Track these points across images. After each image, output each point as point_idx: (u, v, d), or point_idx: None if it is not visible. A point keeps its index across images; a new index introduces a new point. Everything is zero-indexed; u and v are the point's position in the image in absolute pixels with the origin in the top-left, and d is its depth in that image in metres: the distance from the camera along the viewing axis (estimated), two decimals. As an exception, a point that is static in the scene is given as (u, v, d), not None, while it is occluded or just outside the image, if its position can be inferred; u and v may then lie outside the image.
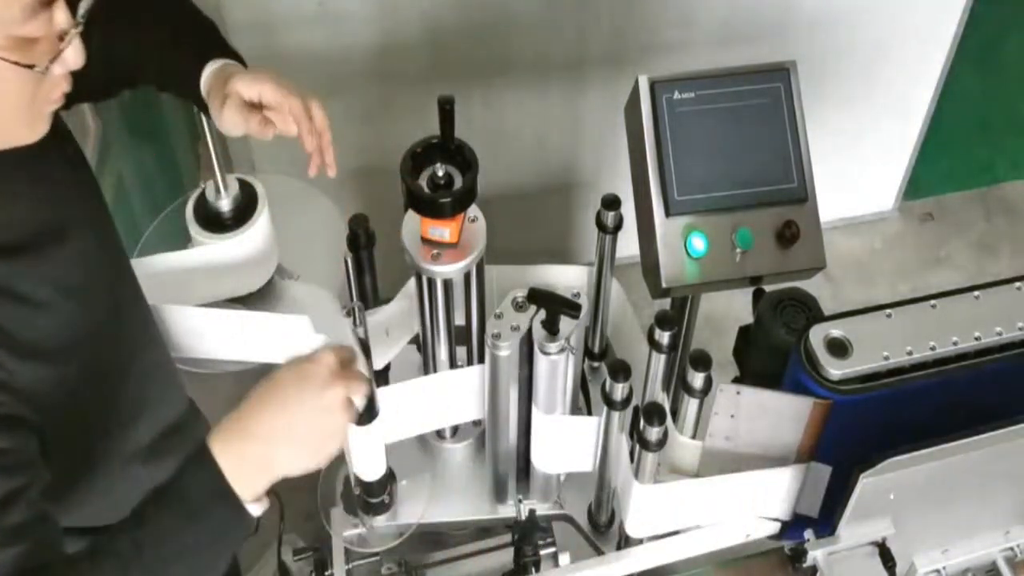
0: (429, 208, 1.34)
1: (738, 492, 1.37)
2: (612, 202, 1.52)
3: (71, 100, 1.01)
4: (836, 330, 1.27)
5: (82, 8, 0.94)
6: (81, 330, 1.07)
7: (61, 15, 0.92)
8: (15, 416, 0.97)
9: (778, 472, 1.35)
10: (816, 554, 1.36)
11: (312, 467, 1.02)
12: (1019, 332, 1.28)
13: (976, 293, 1.31)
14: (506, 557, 1.65)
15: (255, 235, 1.46)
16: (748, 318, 1.49)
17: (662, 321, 1.36)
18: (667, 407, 1.34)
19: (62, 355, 1.03)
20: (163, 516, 0.98)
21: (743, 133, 1.42)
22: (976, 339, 1.27)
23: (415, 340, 1.58)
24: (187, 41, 1.26)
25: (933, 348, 1.26)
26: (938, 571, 1.42)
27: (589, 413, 1.70)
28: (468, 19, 2.17)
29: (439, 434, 1.66)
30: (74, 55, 0.94)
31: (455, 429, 1.66)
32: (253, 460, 0.99)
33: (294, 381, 1.02)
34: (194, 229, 1.45)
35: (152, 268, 1.40)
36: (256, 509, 1.01)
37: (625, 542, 1.54)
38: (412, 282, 1.47)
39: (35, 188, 1.05)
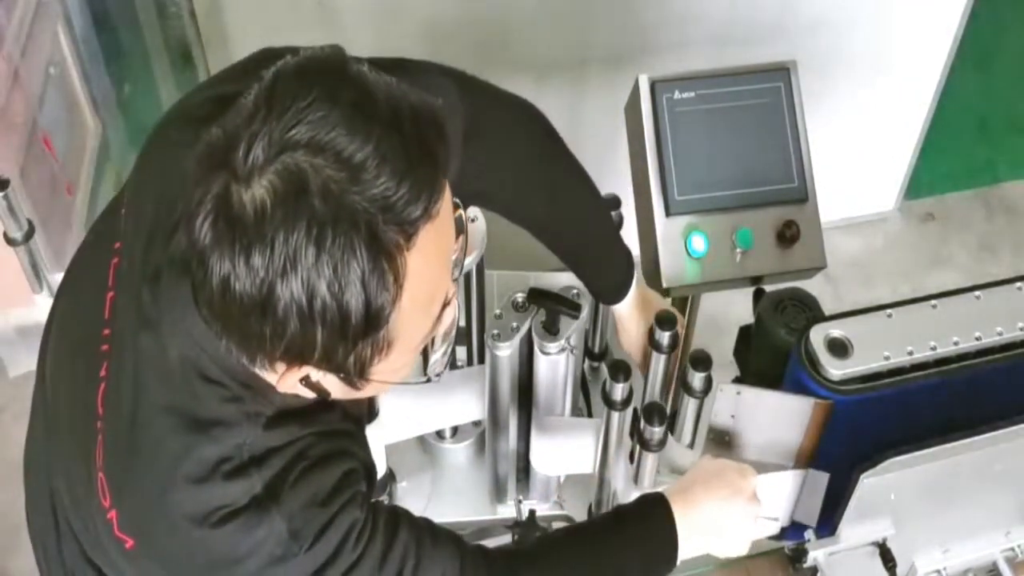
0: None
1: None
2: (612, 202, 1.51)
3: None
4: (836, 330, 1.27)
5: (457, 273, 0.92)
6: None
7: (452, 291, 0.91)
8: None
9: (778, 476, 1.35)
10: (816, 554, 1.36)
11: (714, 553, 1.27)
12: (1020, 332, 1.28)
13: (977, 293, 1.30)
14: (506, 557, 1.64)
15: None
16: (748, 318, 1.48)
17: (662, 321, 1.36)
18: (667, 407, 1.34)
19: None
20: (616, 544, 1.19)
21: (743, 133, 1.42)
22: (977, 339, 1.27)
23: (415, 340, 1.57)
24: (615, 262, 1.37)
25: (934, 348, 1.26)
26: (939, 571, 1.41)
27: (590, 414, 1.70)
28: (467, 18, 2.17)
29: (439, 434, 1.66)
30: (453, 319, 0.93)
31: (455, 429, 1.66)
32: (689, 529, 1.21)
33: (740, 490, 1.24)
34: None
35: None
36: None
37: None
38: (412, 282, 1.47)
39: None
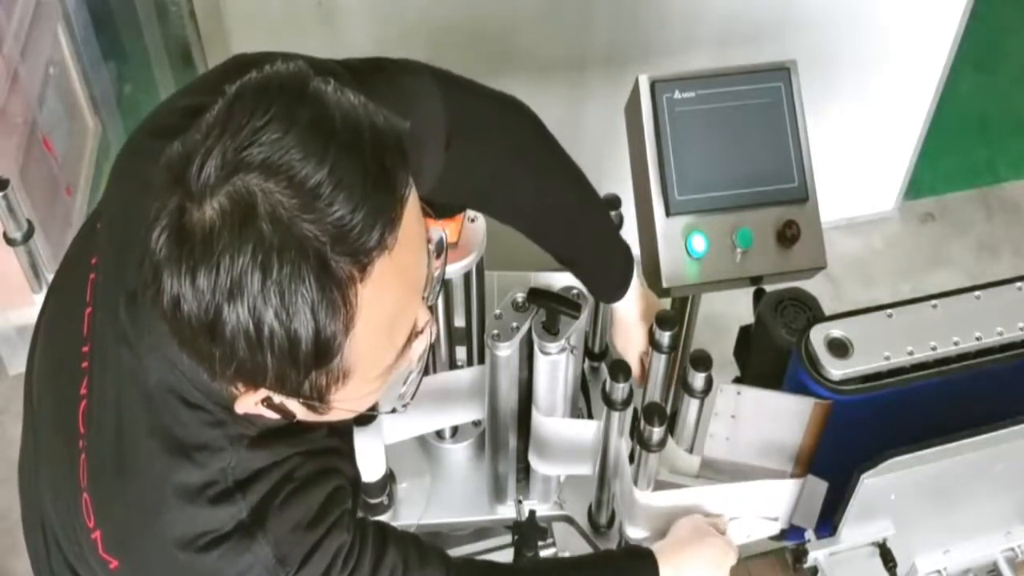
0: (428, 208, 1.33)
1: (737, 500, 1.37)
2: (612, 202, 1.51)
3: None
4: (837, 330, 1.27)
5: (432, 298, 0.90)
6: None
7: (423, 316, 0.88)
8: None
9: (777, 484, 1.35)
10: (817, 555, 1.35)
11: None
12: (1020, 332, 1.27)
13: (977, 293, 1.30)
14: (506, 558, 1.64)
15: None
16: (748, 318, 1.48)
17: (662, 321, 1.36)
18: (667, 408, 1.33)
19: None
20: None
21: (743, 133, 1.42)
22: (977, 339, 1.27)
23: (415, 340, 1.57)
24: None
25: (934, 348, 1.26)
26: (939, 571, 1.41)
27: (590, 414, 1.70)
28: (468, 19, 2.17)
29: (439, 434, 1.65)
30: (425, 348, 0.91)
31: (455, 429, 1.66)
32: None
33: (721, 554, 1.31)
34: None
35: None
36: None
37: (625, 543, 1.53)
38: (412, 282, 1.46)
39: None
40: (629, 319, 1.42)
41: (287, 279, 0.75)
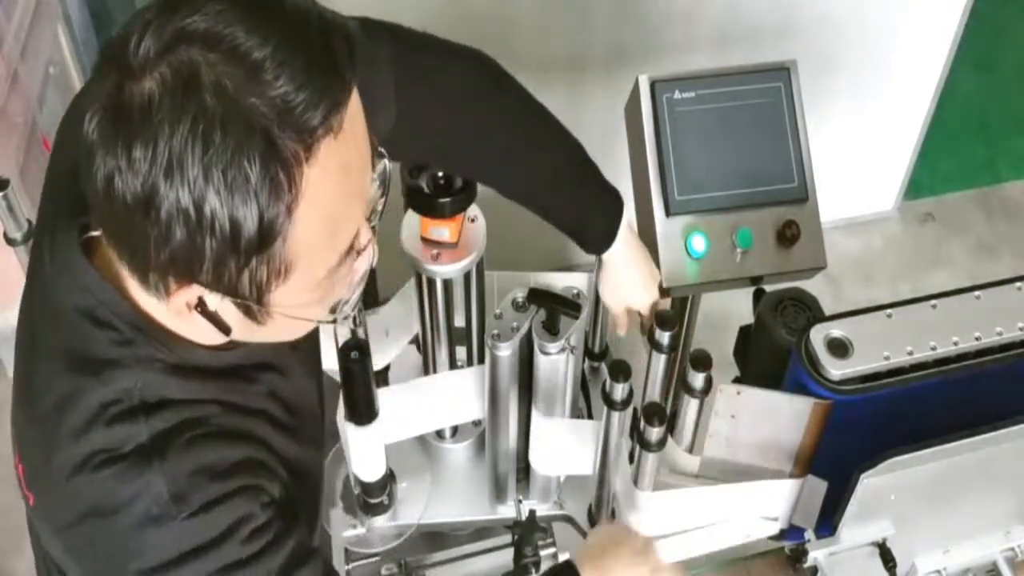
0: (429, 207, 1.34)
1: (737, 500, 1.37)
2: (612, 202, 1.51)
3: None
4: (837, 330, 1.27)
5: (375, 220, 0.88)
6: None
7: (366, 233, 0.86)
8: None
9: (777, 484, 1.35)
10: (817, 554, 1.36)
11: None
12: (1019, 332, 1.28)
13: (976, 293, 1.30)
14: (506, 557, 1.64)
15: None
16: (748, 318, 1.48)
17: (662, 321, 1.36)
18: (667, 408, 1.33)
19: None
20: None
21: (743, 133, 1.42)
22: (976, 339, 1.27)
23: (415, 340, 1.58)
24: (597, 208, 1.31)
25: (934, 348, 1.26)
26: (939, 571, 1.41)
27: (590, 414, 1.70)
28: (467, 18, 2.17)
29: (439, 434, 1.66)
30: (368, 262, 0.88)
31: (455, 429, 1.66)
32: None
33: (642, 546, 1.29)
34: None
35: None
36: None
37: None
38: (412, 282, 1.47)
39: None
40: (618, 265, 1.35)
41: (229, 152, 0.72)
